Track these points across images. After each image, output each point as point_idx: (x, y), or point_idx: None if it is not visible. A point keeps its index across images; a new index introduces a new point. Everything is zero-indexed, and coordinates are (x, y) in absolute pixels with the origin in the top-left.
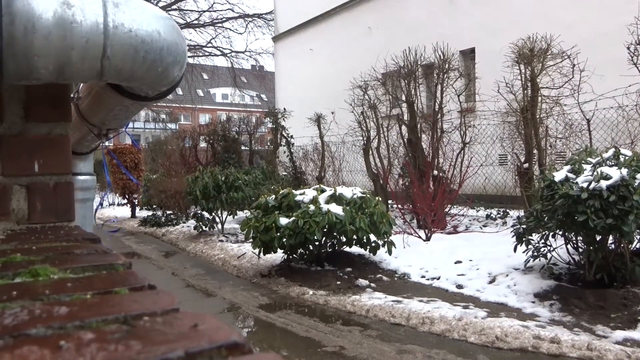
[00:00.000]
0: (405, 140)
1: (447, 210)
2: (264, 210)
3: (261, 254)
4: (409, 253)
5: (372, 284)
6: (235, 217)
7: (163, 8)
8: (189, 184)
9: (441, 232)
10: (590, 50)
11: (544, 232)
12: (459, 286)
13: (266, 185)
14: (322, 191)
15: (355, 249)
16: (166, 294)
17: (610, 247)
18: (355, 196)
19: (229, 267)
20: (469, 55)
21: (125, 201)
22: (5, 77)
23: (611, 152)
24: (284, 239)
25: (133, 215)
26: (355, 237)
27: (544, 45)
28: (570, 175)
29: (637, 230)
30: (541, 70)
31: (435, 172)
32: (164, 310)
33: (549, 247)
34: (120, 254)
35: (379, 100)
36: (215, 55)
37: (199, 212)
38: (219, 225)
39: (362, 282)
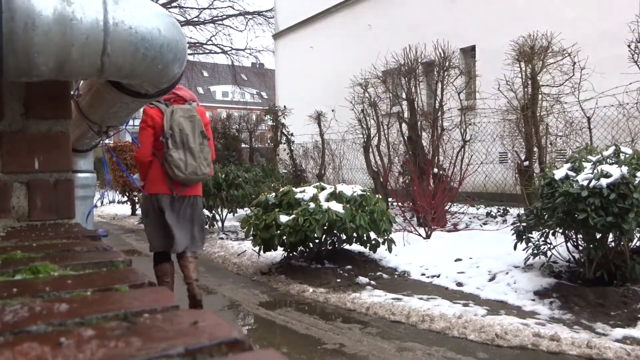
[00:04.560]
0: (405, 138)
1: (447, 208)
2: (264, 207)
3: (261, 251)
4: (409, 251)
5: (372, 282)
6: (236, 214)
7: (163, 5)
8: None
9: (441, 230)
10: (591, 48)
11: (544, 230)
12: (459, 284)
13: (266, 183)
14: (323, 189)
15: (356, 247)
16: (166, 291)
17: (610, 245)
18: (355, 194)
19: (229, 264)
20: (469, 52)
21: (126, 199)
22: (6, 73)
23: (611, 150)
24: (284, 237)
25: (133, 213)
26: (355, 234)
27: (544, 43)
28: (571, 173)
29: (637, 228)
30: (542, 68)
31: (436, 170)
32: (164, 308)
33: (549, 245)
34: (121, 252)
35: (379, 98)
36: (216, 52)
37: None
38: (219, 223)
39: (362, 279)
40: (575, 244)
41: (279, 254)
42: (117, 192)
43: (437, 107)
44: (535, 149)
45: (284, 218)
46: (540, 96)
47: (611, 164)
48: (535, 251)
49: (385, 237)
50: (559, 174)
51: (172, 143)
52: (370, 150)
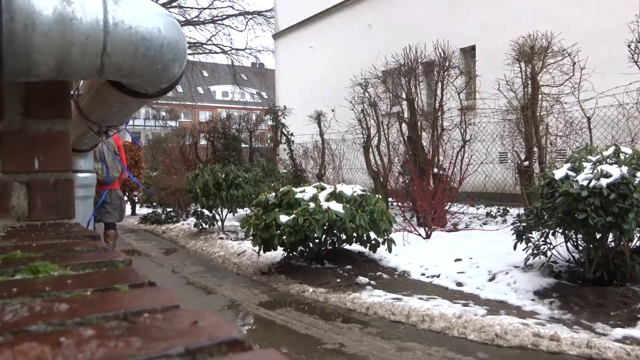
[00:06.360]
0: (405, 137)
1: (447, 208)
2: (264, 207)
3: (261, 251)
4: (409, 251)
5: (372, 282)
6: (236, 214)
7: (163, 5)
8: (189, 181)
9: (441, 230)
10: (591, 48)
11: (544, 230)
12: (459, 284)
13: (266, 183)
14: (322, 189)
15: (355, 247)
16: (166, 291)
17: (610, 245)
18: (355, 194)
19: (229, 264)
20: (469, 52)
21: (126, 198)
22: (6, 73)
23: (611, 150)
24: (284, 237)
25: (133, 213)
26: (355, 234)
27: (544, 43)
28: (571, 173)
29: (637, 228)
30: (542, 68)
31: (436, 170)
32: (164, 307)
33: (549, 245)
34: (121, 251)
35: (379, 98)
36: (216, 52)
37: (199, 209)
38: (219, 223)
39: (362, 279)
40: (575, 244)
41: (279, 254)
42: None
43: (437, 107)
44: (535, 149)
45: (284, 218)
46: (540, 96)
47: (611, 164)
48: (535, 251)
49: (385, 237)
50: (559, 174)
51: (93, 158)
52: (370, 150)
